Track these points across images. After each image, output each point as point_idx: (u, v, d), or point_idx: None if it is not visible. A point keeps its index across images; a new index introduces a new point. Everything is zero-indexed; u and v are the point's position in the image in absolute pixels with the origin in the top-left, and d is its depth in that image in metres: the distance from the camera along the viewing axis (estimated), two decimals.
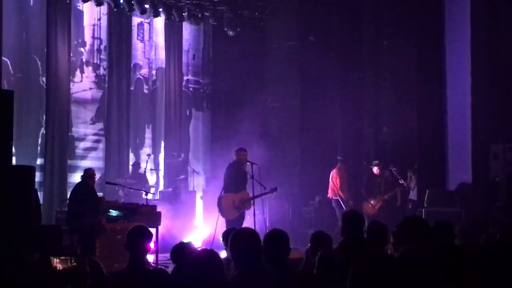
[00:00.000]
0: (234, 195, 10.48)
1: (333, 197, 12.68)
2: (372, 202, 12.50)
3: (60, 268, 7.81)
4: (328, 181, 13.05)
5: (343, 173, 12.74)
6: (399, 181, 12.62)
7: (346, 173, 12.85)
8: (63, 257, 7.94)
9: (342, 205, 12.36)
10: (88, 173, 10.00)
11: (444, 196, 12.60)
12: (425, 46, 13.82)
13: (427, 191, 12.56)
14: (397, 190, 12.66)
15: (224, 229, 10.18)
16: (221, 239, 6.76)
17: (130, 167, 13.70)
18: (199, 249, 4.41)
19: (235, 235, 4.57)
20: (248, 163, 10.48)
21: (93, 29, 13.91)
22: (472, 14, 12.84)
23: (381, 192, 12.59)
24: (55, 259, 7.90)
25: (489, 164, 12.59)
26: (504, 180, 12.40)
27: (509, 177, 12.37)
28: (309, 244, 5.48)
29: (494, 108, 12.92)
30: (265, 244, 4.59)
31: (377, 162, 12.89)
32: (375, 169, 12.70)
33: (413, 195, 13.12)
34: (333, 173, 12.77)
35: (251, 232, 4.69)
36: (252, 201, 10.46)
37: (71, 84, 13.19)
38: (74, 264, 7.92)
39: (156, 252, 9.40)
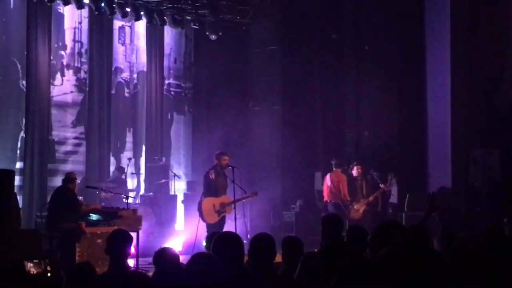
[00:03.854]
0: (214, 199, 10.47)
1: (332, 201, 12.29)
2: (355, 206, 12.22)
3: (34, 272, 7.75)
4: (308, 185, 12.99)
5: (344, 177, 12.45)
6: (380, 185, 12.60)
7: (346, 177, 12.53)
8: (37, 261, 7.89)
9: (344, 210, 12.00)
10: (69, 177, 9.93)
11: (424, 200, 12.65)
12: (406, 52, 13.93)
13: (407, 195, 12.62)
14: (378, 194, 12.53)
15: (205, 233, 10.22)
16: (204, 243, 6.74)
17: (115, 171, 13.61)
18: (196, 253, 4.38)
19: (218, 239, 4.56)
20: (229, 167, 10.48)
21: (74, 32, 13.84)
22: (452, 21, 12.97)
23: (363, 195, 12.38)
24: (28, 263, 7.85)
25: (469, 169, 12.71)
26: (484, 185, 12.53)
27: (489, 182, 12.49)
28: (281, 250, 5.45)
29: (474, 114, 13.05)
30: (251, 247, 4.58)
31: (355, 163, 12.72)
32: (355, 171, 12.43)
33: (393, 198, 13.16)
34: (332, 177, 12.40)
35: (234, 236, 4.69)
36: (232, 205, 10.45)
37: (52, 87, 13.11)
38: (48, 268, 7.87)
39: (137, 256, 9.35)
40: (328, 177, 12.53)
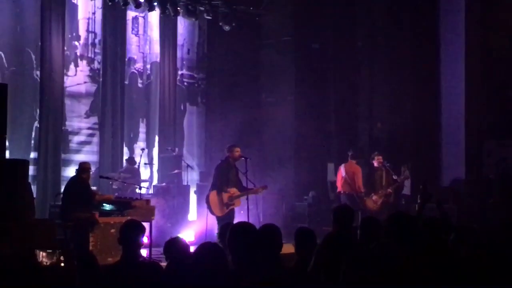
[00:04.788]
0: (222, 192, 10.43)
1: (347, 192, 12.24)
2: (374, 197, 12.15)
3: (47, 263, 7.79)
4: (321, 176, 12.89)
5: (359, 169, 12.34)
6: (393, 176, 12.54)
7: (360, 168, 12.44)
8: (50, 251, 7.92)
9: (358, 201, 11.94)
10: (83, 167, 9.92)
11: (438, 191, 12.62)
12: (419, 42, 13.86)
13: (421, 186, 12.56)
14: (396, 186, 12.41)
15: (214, 224, 10.28)
16: (216, 234, 6.76)
17: (125, 162, 13.65)
18: (202, 243, 4.40)
19: (234, 230, 4.58)
20: (242, 158, 10.45)
21: (88, 23, 13.87)
22: (466, 12, 12.88)
23: (382, 186, 12.26)
24: (41, 253, 7.88)
25: (483, 161, 12.66)
26: (497, 177, 12.47)
27: (502, 173, 12.43)
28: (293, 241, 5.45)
29: (488, 105, 12.98)
30: (258, 238, 4.59)
31: (376, 153, 12.58)
32: (376, 161, 12.30)
33: (406, 190, 13.12)
34: (347, 168, 12.32)
35: (249, 226, 4.70)
36: (240, 198, 10.42)
37: (65, 78, 13.15)
38: (61, 258, 7.90)
39: (150, 246, 9.40)
40: (342, 168, 12.46)
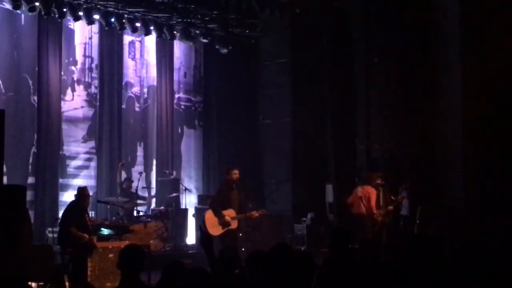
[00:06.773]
0: (218, 212, 10.41)
1: (358, 212, 11.92)
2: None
3: None
4: (320, 197, 12.82)
5: (374, 191, 11.99)
6: (391, 197, 12.48)
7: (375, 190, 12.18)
8: (41, 284, 7.83)
9: (370, 221, 11.73)
10: (82, 193, 9.79)
11: (436, 211, 12.58)
12: (416, 64, 13.89)
13: (419, 207, 12.55)
14: (396, 205, 12.32)
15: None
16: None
17: (124, 181, 13.51)
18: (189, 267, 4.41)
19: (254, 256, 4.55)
20: (240, 180, 10.47)
21: (85, 48, 13.93)
22: (462, 31, 12.94)
23: (380, 206, 12.19)
24: (33, 284, 7.78)
25: (482, 179, 12.64)
26: (496, 196, 12.45)
27: (502, 191, 12.40)
28: None
29: (486, 123, 12.98)
30: (269, 259, 4.56)
31: (380, 174, 12.42)
32: (373, 182, 12.10)
33: (404, 210, 13.08)
34: (365, 190, 12.05)
35: (287, 250, 4.64)
36: (236, 220, 10.38)
37: (63, 102, 13.19)
38: None
39: (148, 271, 9.34)
40: (360, 188, 12.16)
